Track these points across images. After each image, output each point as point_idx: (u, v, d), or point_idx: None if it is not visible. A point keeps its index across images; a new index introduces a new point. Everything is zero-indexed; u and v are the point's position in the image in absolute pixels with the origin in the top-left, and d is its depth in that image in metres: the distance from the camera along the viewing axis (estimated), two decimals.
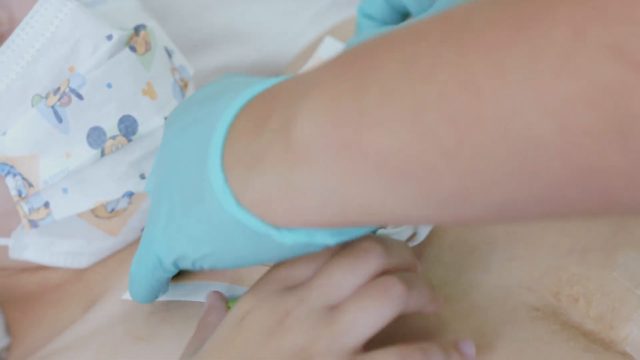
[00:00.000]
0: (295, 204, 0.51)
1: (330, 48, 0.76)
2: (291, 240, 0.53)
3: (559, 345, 0.62)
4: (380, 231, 0.66)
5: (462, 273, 0.66)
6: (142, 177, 0.73)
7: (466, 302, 0.64)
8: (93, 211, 0.73)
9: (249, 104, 0.54)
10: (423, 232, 0.67)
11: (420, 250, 0.68)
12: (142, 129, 0.72)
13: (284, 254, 0.55)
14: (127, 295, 0.71)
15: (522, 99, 0.43)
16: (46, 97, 0.70)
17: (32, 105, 0.70)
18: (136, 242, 0.78)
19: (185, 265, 0.58)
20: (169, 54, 0.77)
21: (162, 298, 0.69)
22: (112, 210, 0.74)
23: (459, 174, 0.46)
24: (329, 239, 0.53)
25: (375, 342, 0.57)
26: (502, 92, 0.43)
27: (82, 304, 0.76)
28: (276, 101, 0.53)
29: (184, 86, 0.76)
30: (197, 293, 0.68)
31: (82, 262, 0.76)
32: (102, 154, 0.71)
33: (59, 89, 0.70)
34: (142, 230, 0.77)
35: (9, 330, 0.81)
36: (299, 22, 1.01)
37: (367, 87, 0.48)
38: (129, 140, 0.72)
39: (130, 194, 0.73)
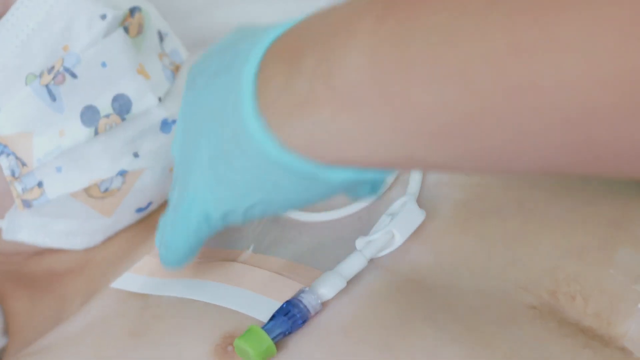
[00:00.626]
0: (342, 147, 0.51)
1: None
2: (342, 177, 0.53)
3: (557, 342, 0.62)
4: (360, 239, 0.67)
5: (460, 277, 0.66)
6: (136, 155, 0.73)
7: (464, 305, 0.64)
8: (87, 191, 0.73)
9: (274, 46, 0.53)
10: (400, 238, 0.67)
11: (417, 256, 0.68)
12: (135, 107, 0.72)
13: (333, 192, 0.55)
14: (116, 283, 0.71)
15: (578, 70, 0.43)
16: (40, 76, 0.70)
17: (26, 84, 0.70)
18: (133, 229, 0.79)
19: (235, 218, 0.58)
20: (162, 37, 0.77)
21: (156, 292, 0.69)
22: (106, 190, 0.74)
23: (507, 135, 0.46)
24: (379, 174, 0.53)
25: None
26: (557, 61, 0.43)
27: (82, 297, 0.76)
28: (307, 40, 0.52)
29: (174, 69, 0.77)
30: (190, 290, 0.68)
31: (76, 243, 0.76)
32: (96, 132, 0.71)
33: (53, 67, 0.70)
34: (137, 210, 0.77)
35: (7, 330, 0.81)
36: None
37: (411, 38, 0.47)
38: (123, 119, 0.72)
39: (124, 172, 0.73)
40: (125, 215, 0.76)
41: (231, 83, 0.54)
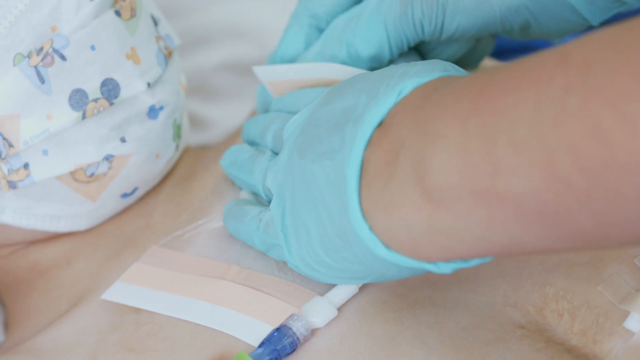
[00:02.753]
0: (442, 245, 0.56)
1: (270, 76, 0.78)
2: (449, 269, 0.58)
3: None
4: None
5: (450, 292, 0.67)
6: (123, 140, 0.73)
7: (453, 322, 0.65)
8: (72, 175, 0.73)
9: (373, 140, 0.58)
10: None
11: None
12: (124, 92, 0.72)
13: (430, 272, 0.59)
14: (107, 295, 0.72)
15: None
16: (29, 57, 0.70)
17: (14, 65, 0.70)
18: (118, 217, 0.79)
19: None
20: (155, 22, 0.77)
21: (149, 307, 0.70)
22: (92, 174, 0.74)
23: (593, 214, 0.49)
24: (483, 259, 0.58)
25: None
26: (632, 140, 0.46)
27: (69, 297, 0.76)
28: (401, 140, 0.56)
29: (168, 55, 0.76)
30: (183, 310, 0.69)
31: (60, 226, 0.76)
32: (84, 116, 0.71)
33: (42, 48, 0.70)
34: (122, 195, 0.77)
35: (6, 326, 0.81)
36: None
37: (495, 135, 0.51)
38: (111, 104, 0.72)
39: (110, 157, 0.73)
40: (110, 200, 0.76)
41: (337, 177, 0.59)
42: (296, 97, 0.72)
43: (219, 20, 1.03)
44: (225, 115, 1.01)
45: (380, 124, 0.58)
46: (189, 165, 0.83)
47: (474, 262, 0.57)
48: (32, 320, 0.77)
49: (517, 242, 0.53)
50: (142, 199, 0.80)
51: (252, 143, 0.75)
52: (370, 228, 0.57)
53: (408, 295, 0.67)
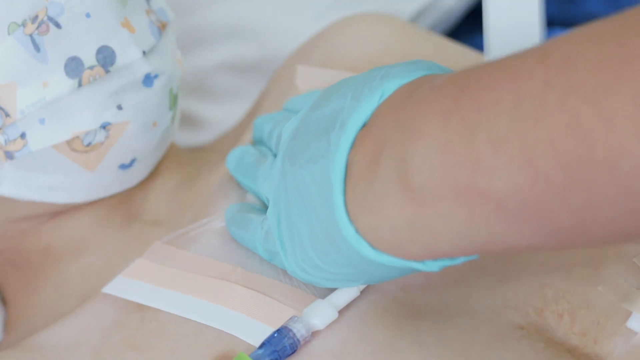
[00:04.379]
0: (427, 244, 0.56)
1: (307, 76, 0.78)
2: (436, 267, 0.57)
3: None
4: None
5: (451, 298, 0.67)
6: (119, 108, 0.73)
7: (453, 327, 0.65)
8: (69, 144, 0.73)
9: (357, 143, 0.58)
10: None
11: (408, 277, 0.68)
12: (120, 60, 0.72)
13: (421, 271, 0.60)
14: (108, 288, 0.72)
15: (630, 142, 0.46)
16: (23, 26, 0.70)
17: (9, 34, 0.70)
18: (122, 206, 0.79)
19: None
20: None
21: (152, 304, 0.70)
22: (89, 144, 0.74)
23: (573, 212, 0.49)
24: (470, 256, 0.58)
25: None
26: (610, 134, 0.46)
27: (78, 293, 0.76)
28: (383, 140, 0.56)
29: (161, 27, 0.77)
30: (187, 308, 0.69)
31: (57, 197, 0.76)
32: (80, 84, 0.71)
33: (37, 17, 0.70)
34: (120, 166, 0.77)
35: (10, 320, 0.80)
36: (300, 21, 1.02)
37: (475, 132, 0.51)
38: (107, 71, 0.72)
39: (107, 125, 0.73)
40: (109, 171, 0.76)
41: (323, 181, 0.59)
42: (308, 99, 0.73)
43: (218, 21, 1.03)
44: (225, 116, 1.02)
45: (364, 126, 0.58)
46: (193, 164, 0.84)
47: (460, 260, 0.57)
48: (41, 317, 0.77)
49: (499, 240, 0.53)
50: (145, 195, 0.81)
51: (260, 141, 0.75)
52: (356, 229, 0.58)
53: (409, 301, 0.67)
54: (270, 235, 0.66)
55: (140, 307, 0.70)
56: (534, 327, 0.66)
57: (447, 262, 0.57)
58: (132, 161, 0.77)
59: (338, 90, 0.62)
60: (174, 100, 0.78)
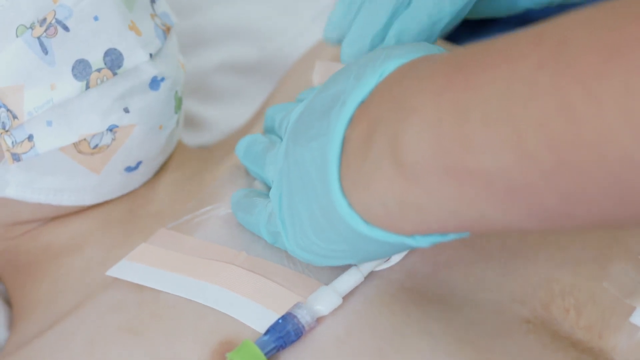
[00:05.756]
0: (417, 219, 0.56)
1: (324, 71, 0.78)
2: (427, 242, 0.58)
3: (549, 357, 0.64)
4: None
5: (457, 289, 0.68)
6: (126, 110, 0.73)
7: (460, 317, 0.66)
8: (76, 146, 0.73)
9: (353, 120, 0.58)
10: (395, 257, 0.69)
11: (415, 267, 0.69)
12: (127, 63, 0.72)
13: (413, 248, 0.60)
14: (112, 271, 0.72)
15: (617, 124, 0.46)
16: (32, 28, 0.70)
17: (17, 36, 0.70)
18: (127, 204, 0.79)
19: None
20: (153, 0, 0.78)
21: (154, 285, 0.69)
22: (96, 146, 0.74)
23: (559, 193, 0.49)
24: (460, 234, 0.58)
25: None
26: (599, 117, 0.46)
27: (78, 286, 0.76)
28: (378, 117, 0.57)
29: (166, 30, 0.77)
30: (189, 290, 0.68)
31: (63, 199, 0.76)
32: (87, 86, 0.71)
33: (45, 19, 0.70)
34: (126, 169, 0.77)
35: (13, 321, 0.80)
36: (300, 22, 1.02)
37: (467, 111, 0.51)
38: (114, 74, 0.72)
39: (114, 127, 0.73)
40: (114, 174, 0.76)
41: (321, 154, 0.59)
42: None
43: (219, 21, 1.03)
44: (225, 116, 1.01)
45: (362, 104, 0.59)
46: (199, 159, 0.84)
47: (450, 237, 0.58)
48: (40, 313, 0.76)
49: (487, 219, 0.53)
50: (151, 188, 0.81)
51: (271, 131, 0.75)
52: (350, 205, 0.58)
53: (415, 289, 0.67)
54: (273, 216, 0.66)
55: (140, 290, 0.70)
56: (540, 321, 0.66)
57: (438, 238, 0.57)
58: (138, 164, 0.77)
59: (344, 72, 0.62)
60: (179, 103, 0.78)
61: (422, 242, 0.58)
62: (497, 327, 0.65)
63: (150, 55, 0.73)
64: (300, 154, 0.61)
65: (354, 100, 0.59)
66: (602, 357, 0.65)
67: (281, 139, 0.72)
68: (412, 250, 0.69)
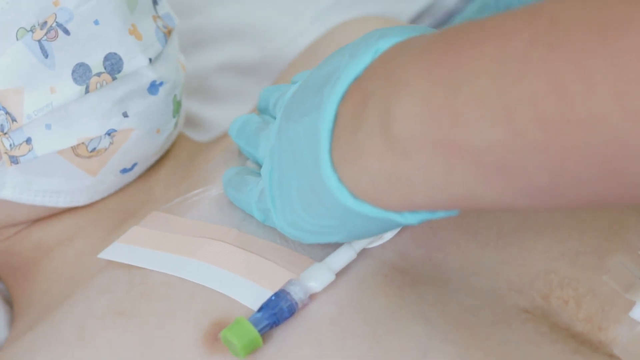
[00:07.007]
0: (405, 194, 0.55)
1: None
2: (416, 219, 0.57)
3: (547, 347, 0.63)
4: None
5: (452, 274, 0.67)
6: (125, 115, 0.73)
7: (456, 303, 0.65)
8: (74, 150, 0.73)
9: (346, 96, 0.58)
10: (390, 232, 0.68)
11: (407, 248, 0.68)
12: (127, 67, 0.72)
13: (401, 226, 0.60)
14: (104, 254, 0.71)
15: (608, 103, 0.46)
16: (32, 31, 0.70)
17: (17, 39, 0.69)
18: (120, 194, 0.79)
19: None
20: (155, 1, 0.77)
21: (144, 264, 0.69)
22: (94, 149, 0.74)
23: (549, 171, 0.49)
24: (449, 212, 0.57)
25: None
26: (590, 96, 0.46)
27: (71, 276, 0.76)
28: (370, 92, 0.56)
29: (167, 33, 0.77)
30: (179, 268, 0.68)
31: (59, 201, 0.76)
32: (87, 90, 0.71)
33: (45, 22, 0.70)
34: (122, 171, 0.77)
35: (12, 319, 0.80)
36: (300, 22, 1.02)
37: (458, 86, 0.51)
38: (114, 78, 0.72)
39: (112, 132, 0.73)
40: (110, 175, 0.76)
41: (313, 129, 0.59)
42: None
43: (219, 22, 1.03)
44: (225, 116, 1.01)
45: (355, 80, 0.58)
46: (192, 147, 0.84)
47: (439, 215, 0.57)
48: (36, 307, 0.76)
49: (476, 195, 0.53)
50: (143, 176, 0.80)
51: (265, 111, 0.75)
52: (339, 178, 0.57)
53: (410, 271, 0.67)
54: (264, 193, 0.66)
55: (129, 271, 0.69)
56: (540, 311, 0.66)
57: (426, 216, 0.57)
58: (134, 165, 0.77)
59: (338, 52, 0.62)
60: (177, 107, 0.78)
61: (411, 219, 0.57)
62: (495, 314, 0.65)
63: (150, 59, 0.73)
64: (292, 129, 0.61)
65: (347, 76, 0.58)
66: (602, 349, 0.65)
67: (275, 119, 0.72)
68: (404, 231, 0.68)
